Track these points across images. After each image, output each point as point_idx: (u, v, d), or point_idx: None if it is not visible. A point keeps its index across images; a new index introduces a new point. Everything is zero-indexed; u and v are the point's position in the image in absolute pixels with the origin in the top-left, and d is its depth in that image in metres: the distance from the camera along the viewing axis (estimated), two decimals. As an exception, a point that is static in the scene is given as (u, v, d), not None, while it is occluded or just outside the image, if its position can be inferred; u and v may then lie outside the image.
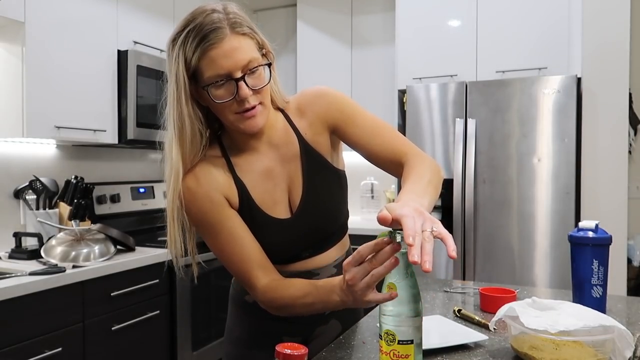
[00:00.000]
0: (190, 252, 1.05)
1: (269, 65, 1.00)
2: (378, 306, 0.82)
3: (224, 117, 0.99)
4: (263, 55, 1.00)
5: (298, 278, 1.01)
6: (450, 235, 0.72)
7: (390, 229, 0.76)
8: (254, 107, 0.97)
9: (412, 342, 0.77)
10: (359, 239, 2.92)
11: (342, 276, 0.87)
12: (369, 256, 0.79)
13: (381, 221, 0.74)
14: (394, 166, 1.05)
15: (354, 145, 1.09)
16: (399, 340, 0.77)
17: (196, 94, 0.99)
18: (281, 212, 1.08)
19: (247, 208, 1.05)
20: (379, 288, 0.82)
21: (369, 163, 1.11)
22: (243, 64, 0.94)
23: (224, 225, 1.02)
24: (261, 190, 1.06)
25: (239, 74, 0.94)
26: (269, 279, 1.01)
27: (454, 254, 0.69)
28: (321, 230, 1.11)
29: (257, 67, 0.96)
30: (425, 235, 0.70)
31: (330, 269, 1.15)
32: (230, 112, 0.97)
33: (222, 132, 1.09)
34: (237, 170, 1.06)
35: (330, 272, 1.14)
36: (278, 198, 1.08)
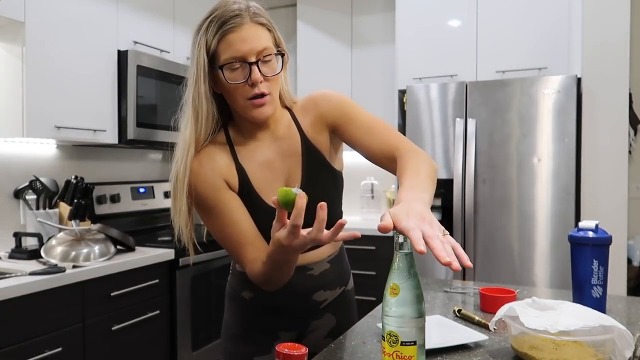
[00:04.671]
0: (188, 234, 1.08)
1: (282, 55, 1.06)
2: (380, 307, 0.82)
3: (235, 102, 1.05)
4: (278, 51, 1.06)
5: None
6: (458, 244, 0.72)
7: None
8: (263, 95, 1.02)
9: (415, 343, 0.76)
10: (358, 239, 2.93)
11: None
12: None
13: (382, 231, 0.74)
14: (389, 161, 1.07)
15: (352, 143, 1.12)
16: (402, 342, 0.76)
17: (212, 81, 1.05)
18: None
19: (247, 193, 1.10)
20: (381, 289, 0.82)
21: (369, 163, 1.13)
22: (258, 50, 1.01)
23: (222, 208, 1.07)
24: (261, 179, 1.11)
25: (253, 59, 1.00)
26: (256, 254, 1.06)
27: (468, 263, 0.69)
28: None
29: (270, 55, 1.02)
30: (440, 239, 0.71)
31: (324, 264, 1.19)
32: (242, 97, 1.03)
33: (229, 122, 1.15)
34: (240, 157, 1.11)
35: (324, 267, 1.18)
36: (276, 189, 1.10)
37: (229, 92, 1.04)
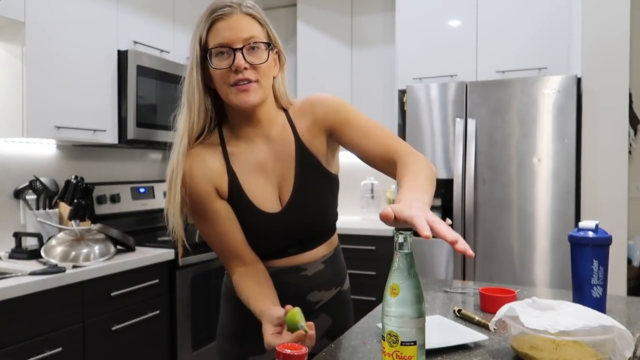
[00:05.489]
0: (179, 230, 1.07)
1: (269, 44, 1.06)
2: (380, 307, 0.82)
3: (220, 90, 1.05)
4: (269, 44, 1.06)
5: (257, 282, 1.08)
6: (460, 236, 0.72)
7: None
8: (248, 82, 1.02)
9: (415, 343, 0.76)
10: (358, 239, 2.94)
11: (270, 311, 0.94)
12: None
13: (384, 218, 0.74)
14: (387, 164, 1.07)
15: (349, 146, 1.12)
16: (401, 342, 0.76)
17: (206, 76, 1.06)
18: (270, 206, 1.11)
19: (237, 198, 1.10)
20: (381, 289, 0.82)
21: None
22: (244, 38, 1.02)
23: (211, 217, 1.09)
24: (252, 182, 1.11)
25: (238, 45, 1.01)
26: (242, 270, 1.10)
27: (470, 252, 0.70)
28: (308, 228, 1.15)
29: (257, 43, 1.03)
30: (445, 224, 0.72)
31: (318, 264, 1.19)
32: (226, 84, 1.03)
33: (224, 122, 1.14)
34: (232, 160, 1.11)
35: (318, 268, 1.18)
36: (269, 192, 1.12)
37: (216, 79, 1.04)
